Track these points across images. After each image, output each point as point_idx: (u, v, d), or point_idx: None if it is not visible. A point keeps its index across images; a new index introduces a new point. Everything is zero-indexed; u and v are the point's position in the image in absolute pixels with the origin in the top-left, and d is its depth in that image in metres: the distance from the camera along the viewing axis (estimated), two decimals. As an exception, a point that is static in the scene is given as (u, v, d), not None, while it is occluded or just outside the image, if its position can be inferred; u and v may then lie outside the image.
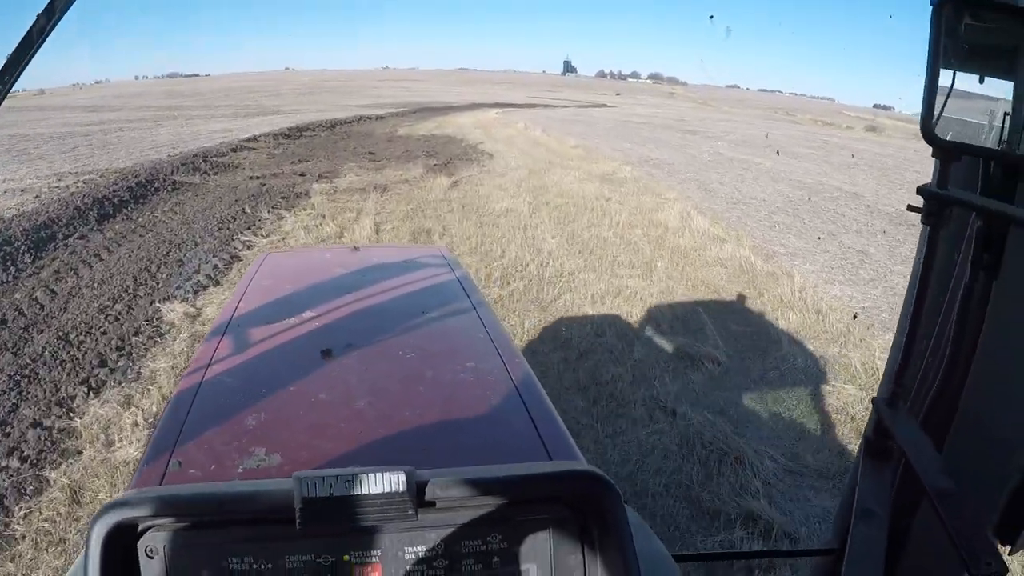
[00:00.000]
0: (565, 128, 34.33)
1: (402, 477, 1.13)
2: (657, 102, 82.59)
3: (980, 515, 1.29)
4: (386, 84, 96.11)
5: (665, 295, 8.50)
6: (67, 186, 13.83)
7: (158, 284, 8.23)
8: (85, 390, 5.71)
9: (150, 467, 1.53)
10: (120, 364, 6.20)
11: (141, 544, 1.16)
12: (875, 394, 1.81)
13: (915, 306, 1.62)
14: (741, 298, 8.52)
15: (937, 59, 1.38)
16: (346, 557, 1.20)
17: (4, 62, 1.11)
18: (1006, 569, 1.24)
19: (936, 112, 1.43)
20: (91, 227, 10.74)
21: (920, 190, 1.50)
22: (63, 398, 5.60)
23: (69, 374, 5.99)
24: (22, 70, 1.12)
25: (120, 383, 5.86)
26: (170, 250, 9.65)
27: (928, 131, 1.41)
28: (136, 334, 6.79)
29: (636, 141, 29.86)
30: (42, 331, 6.79)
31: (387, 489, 1.13)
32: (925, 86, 1.40)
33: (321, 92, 66.83)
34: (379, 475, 1.13)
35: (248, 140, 23.67)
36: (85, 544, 1.12)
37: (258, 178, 16.24)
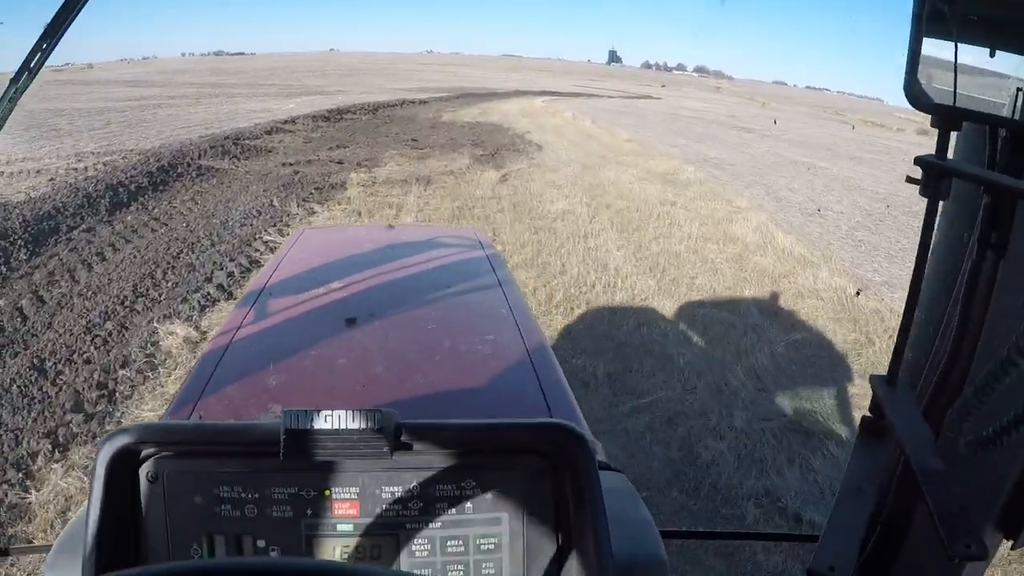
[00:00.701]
0: (615, 120, 33.05)
1: (378, 416, 1.15)
2: (703, 96, 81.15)
3: (969, 499, 1.22)
4: (430, 68, 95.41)
5: (759, 336, 7.12)
6: (85, 168, 12.73)
7: (160, 295, 7.04)
8: (50, 447, 4.50)
9: (173, 418, 1.72)
10: (99, 409, 4.99)
11: (143, 470, 1.21)
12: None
13: (912, 283, 1.52)
14: (851, 346, 7.06)
15: (922, 9, 1.26)
16: (327, 492, 1.22)
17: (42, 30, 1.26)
18: (986, 552, 1.18)
19: (921, 72, 1.30)
20: (100, 218, 9.58)
21: (918, 160, 1.36)
22: (22, 457, 4.40)
23: (36, 420, 4.79)
24: (60, 37, 1.28)
25: (94, 438, 4.65)
26: (182, 250, 8.45)
27: (913, 93, 1.28)
28: (124, 365, 5.57)
29: (691, 137, 28.48)
30: (17, 354, 5.62)
31: (364, 426, 1.14)
32: (909, 43, 1.29)
33: (365, 74, 66.11)
34: (358, 412, 1.15)
35: (285, 122, 22.48)
36: (92, 466, 1.16)
37: (291, 165, 15.01)
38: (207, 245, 8.69)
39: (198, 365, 2.00)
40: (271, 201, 11.22)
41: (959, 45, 1.32)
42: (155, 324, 6.28)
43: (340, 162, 15.76)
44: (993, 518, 1.21)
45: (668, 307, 7.75)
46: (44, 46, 1.29)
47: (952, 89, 1.32)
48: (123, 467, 1.18)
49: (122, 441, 1.17)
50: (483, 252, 3.20)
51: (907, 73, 1.29)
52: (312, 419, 1.14)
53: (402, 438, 1.19)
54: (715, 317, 7.57)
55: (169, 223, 9.67)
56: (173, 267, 7.81)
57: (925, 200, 1.40)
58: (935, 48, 1.32)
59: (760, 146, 27.73)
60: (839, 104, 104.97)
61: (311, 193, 12.14)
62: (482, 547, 1.25)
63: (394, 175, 14.57)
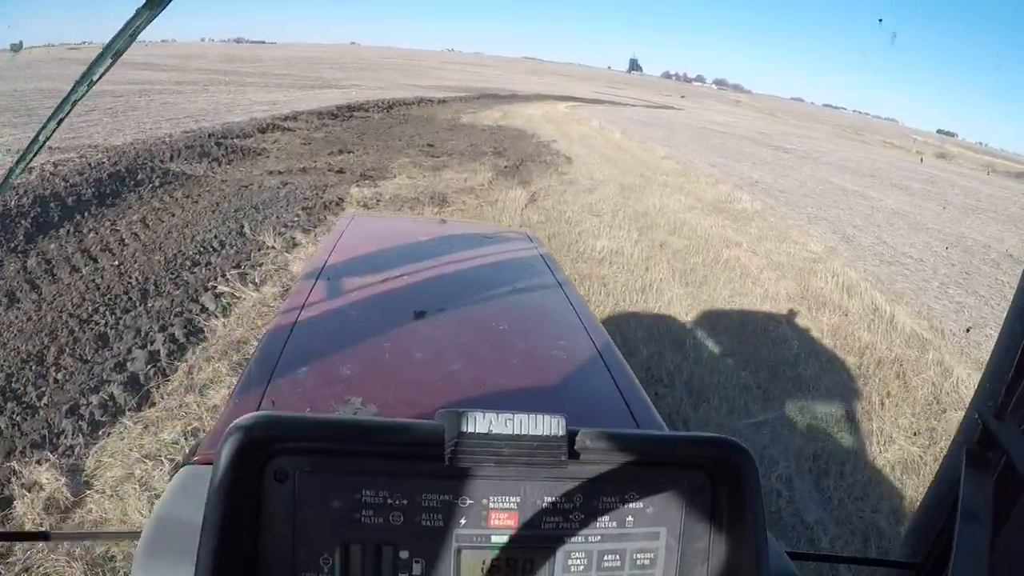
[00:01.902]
0: (644, 131, 31.33)
1: (562, 422, 1.09)
2: (724, 109, 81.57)
3: None
4: (450, 66, 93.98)
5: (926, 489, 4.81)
6: (29, 169, 10.27)
7: (42, 395, 4.60)
8: None
9: (239, 405, 1.59)
10: None
11: (270, 467, 1.08)
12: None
13: None
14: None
15: None
16: (484, 500, 1.13)
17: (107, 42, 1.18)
18: None
19: None
20: (13, 247, 7.13)
21: None
22: None
23: None
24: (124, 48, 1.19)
25: None
26: (99, 307, 5.99)
27: None
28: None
29: (729, 155, 26.69)
30: None
31: (546, 432, 1.08)
32: None
33: (384, 69, 64.81)
34: (539, 418, 1.08)
35: (286, 118, 20.12)
36: (217, 458, 1.03)
37: (280, 173, 12.55)
38: (136, 299, 6.24)
39: (259, 352, 1.88)
40: (241, 226, 8.73)
41: None
42: (12, 462, 3.89)
43: (341, 171, 13.40)
44: None
45: (779, 424, 5.45)
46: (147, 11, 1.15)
47: None
48: (249, 462, 1.05)
49: (253, 433, 1.05)
50: (538, 253, 3.19)
51: None
52: (490, 423, 1.07)
53: (576, 446, 1.13)
54: (848, 449, 5.28)
55: (99, 259, 7.19)
56: (76, 340, 5.38)
57: (995, 244, 1.39)
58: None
59: (803, 169, 26.19)
60: (856, 123, 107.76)
61: (296, 215, 9.62)
62: (638, 562, 1.20)
63: (403, 191, 12.28)
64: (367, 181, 12.69)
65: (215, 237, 8.19)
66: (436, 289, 2.42)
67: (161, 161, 12.05)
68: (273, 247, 8.02)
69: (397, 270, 2.52)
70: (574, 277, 8.33)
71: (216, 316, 5.98)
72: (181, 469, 1.37)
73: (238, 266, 7.31)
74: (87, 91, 1.25)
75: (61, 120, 1.27)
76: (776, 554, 1.38)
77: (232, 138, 15.53)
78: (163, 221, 8.73)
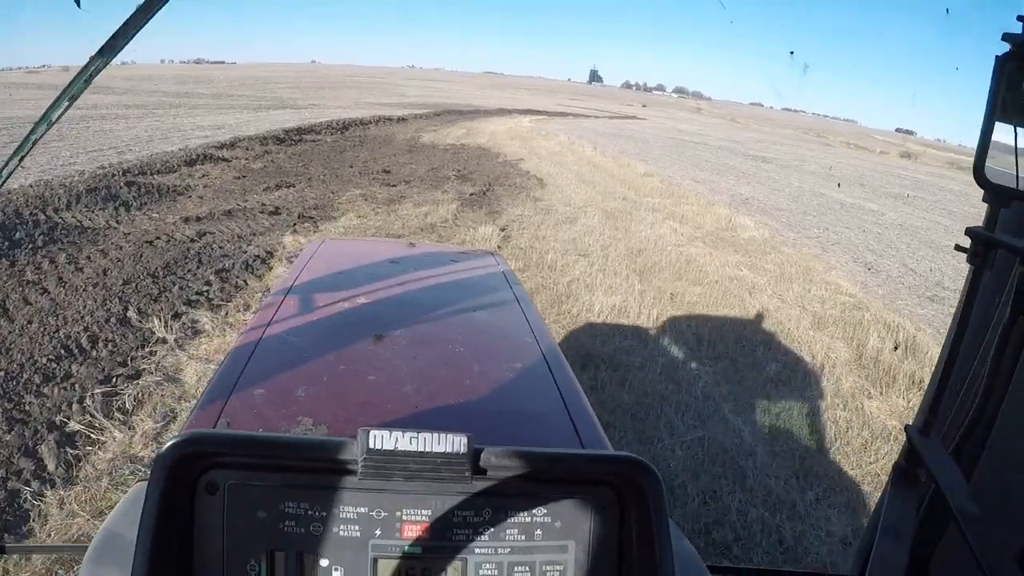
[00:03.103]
0: (615, 145, 29.97)
1: (463, 440, 1.12)
2: (687, 116, 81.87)
3: (1006, 541, 1.28)
4: (411, 83, 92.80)
5: None
6: None
7: None
8: None
9: (197, 422, 1.57)
10: None
11: (203, 480, 1.13)
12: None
13: (952, 342, 1.62)
14: None
15: (994, 110, 1.40)
16: (398, 513, 1.18)
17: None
18: None
19: (988, 158, 1.43)
20: None
21: (968, 231, 1.51)
22: None
23: None
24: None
25: None
26: None
27: (980, 175, 1.44)
28: None
29: (709, 169, 25.42)
30: None
31: (448, 450, 1.10)
32: (981, 133, 1.42)
33: (343, 88, 63.50)
34: (442, 436, 1.11)
35: (222, 146, 17.86)
36: (151, 473, 1.06)
37: (199, 220, 10.20)
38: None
39: (222, 370, 1.85)
40: (126, 308, 6.44)
41: (1006, 124, 1.43)
42: None
43: (275, 212, 11.28)
44: (1016, 553, 1.25)
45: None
46: (105, 53, 1.27)
47: (1006, 170, 1.45)
48: (183, 476, 1.10)
49: (186, 448, 1.09)
50: (503, 276, 3.10)
51: (976, 159, 1.42)
52: (396, 440, 1.09)
53: (480, 463, 1.15)
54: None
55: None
56: None
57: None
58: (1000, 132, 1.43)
59: (790, 180, 25.02)
60: (816, 126, 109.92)
61: (207, 284, 7.36)
62: (547, 574, 1.22)
63: (351, 235, 10.19)
64: (307, 224, 10.68)
65: (87, 329, 5.90)
66: (397, 311, 2.39)
67: (55, 210, 9.67)
68: (164, 340, 5.83)
69: (361, 292, 2.49)
70: (577, 359, 6.29)
71: (53, 486, 3.84)
72: (134, 485, 1.35)
73: (107, 379, 5.10)
74: (47, 131, 1.42)
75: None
76: (696, 569, 1.39)
77: (152, 174, 13.27)
78: (29, 303, 6.40)
